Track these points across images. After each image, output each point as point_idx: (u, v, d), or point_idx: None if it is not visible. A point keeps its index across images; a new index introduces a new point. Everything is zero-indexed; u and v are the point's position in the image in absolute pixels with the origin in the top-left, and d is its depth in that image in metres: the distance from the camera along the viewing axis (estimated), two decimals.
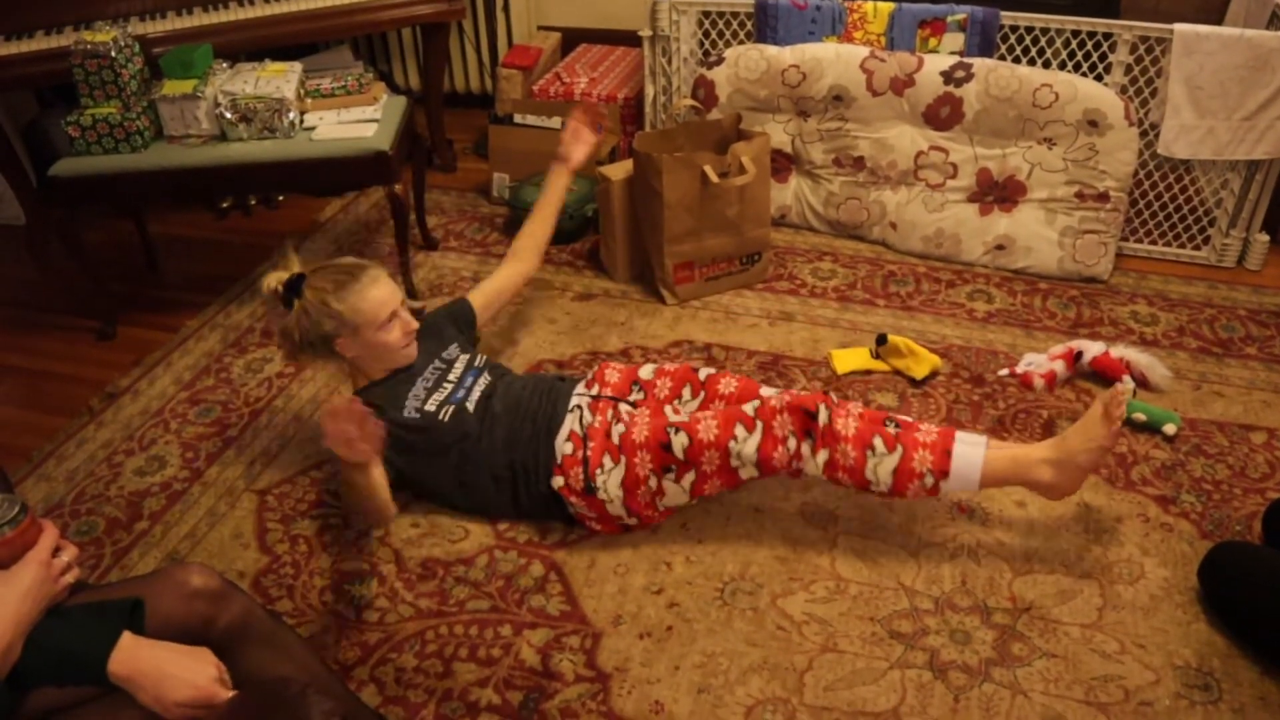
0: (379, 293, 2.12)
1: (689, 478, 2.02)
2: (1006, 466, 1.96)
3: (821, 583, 2.02)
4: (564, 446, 2.11)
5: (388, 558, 2.13)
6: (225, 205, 3.59)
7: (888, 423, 1.99)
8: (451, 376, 2.23)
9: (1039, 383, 2.53)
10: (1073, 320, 2.83)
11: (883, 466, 1.94)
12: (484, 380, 2.25)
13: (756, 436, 1.97)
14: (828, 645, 1.89)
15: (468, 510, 2.21)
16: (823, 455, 1.96)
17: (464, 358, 2.30)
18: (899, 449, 1.94)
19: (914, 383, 2.56)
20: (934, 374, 2.58)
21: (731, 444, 1.98)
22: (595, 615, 1.97)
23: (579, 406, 2.18)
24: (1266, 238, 3.07)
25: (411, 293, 2.92)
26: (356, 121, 2.85)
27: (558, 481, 2.09)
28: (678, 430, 2.01)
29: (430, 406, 2.15)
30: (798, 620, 1.93)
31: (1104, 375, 2.53)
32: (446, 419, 2.13)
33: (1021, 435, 2.38)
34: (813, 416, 1.96)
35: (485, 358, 2.35)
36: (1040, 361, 2.58)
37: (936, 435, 1.96)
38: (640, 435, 2.05)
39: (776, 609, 1.96)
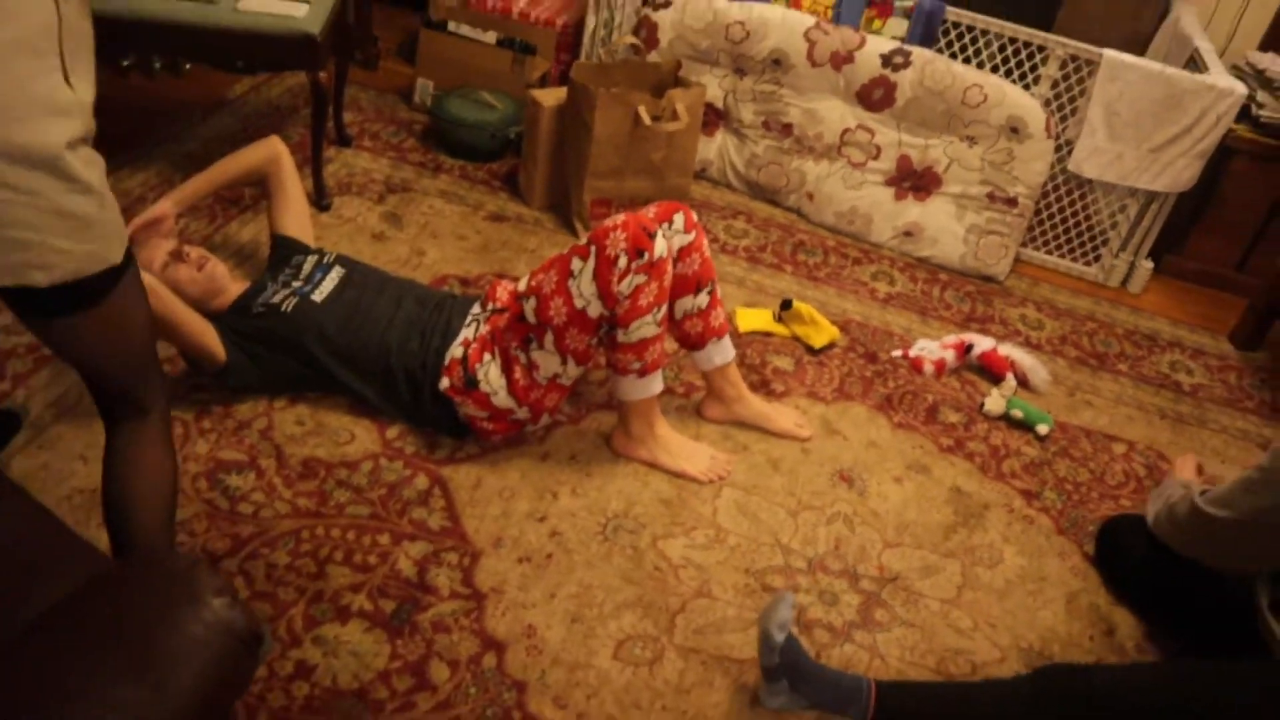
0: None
1: (549, 338, 2.01)
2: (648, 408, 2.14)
3: (702, 530, 2.06)
4: (455, 351, 2.12)
5: (268, 452, 2.07)
6: (126, 64, 3.39)
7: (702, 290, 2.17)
8: (301, 276, 2.27)
9: (929, 368, 2.62)
10: (966, 314, 2.93)
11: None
12: (335, 273, 2.28)
13: (591, 263, 1.95)
14: (701, 590, 1.93)
15: (331, 393, 2.23)
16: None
17: (312, 258, 2.33)
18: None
19: (811, 350, 2.62)
20: (831, 345, 2.65)
21: (570, 282, 1.97)
22: (476, 535, 1.96)
23: (476, 321, 2.18)
24: (1150, 264, 3.23)
25: (320, 188, 2.82)
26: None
27: (444, 383, 2.09)
28: (527, 296, 2.03)
29: (275, 300, 2.19)
30: (675, 563, 1.97)
31: (990, 370, 2.64)
32: (290, 310, 2.16)
33: (906, 416, 2.46)
34: (651, 236, 1.95)
35: (334, 254, 2.36)
36: (932, 348, 2.67)
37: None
38: (503, 321, 2.08)
39: (656, 550, 1.99)
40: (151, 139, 3.02)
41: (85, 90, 1.22)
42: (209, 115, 3.20)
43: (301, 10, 2.65)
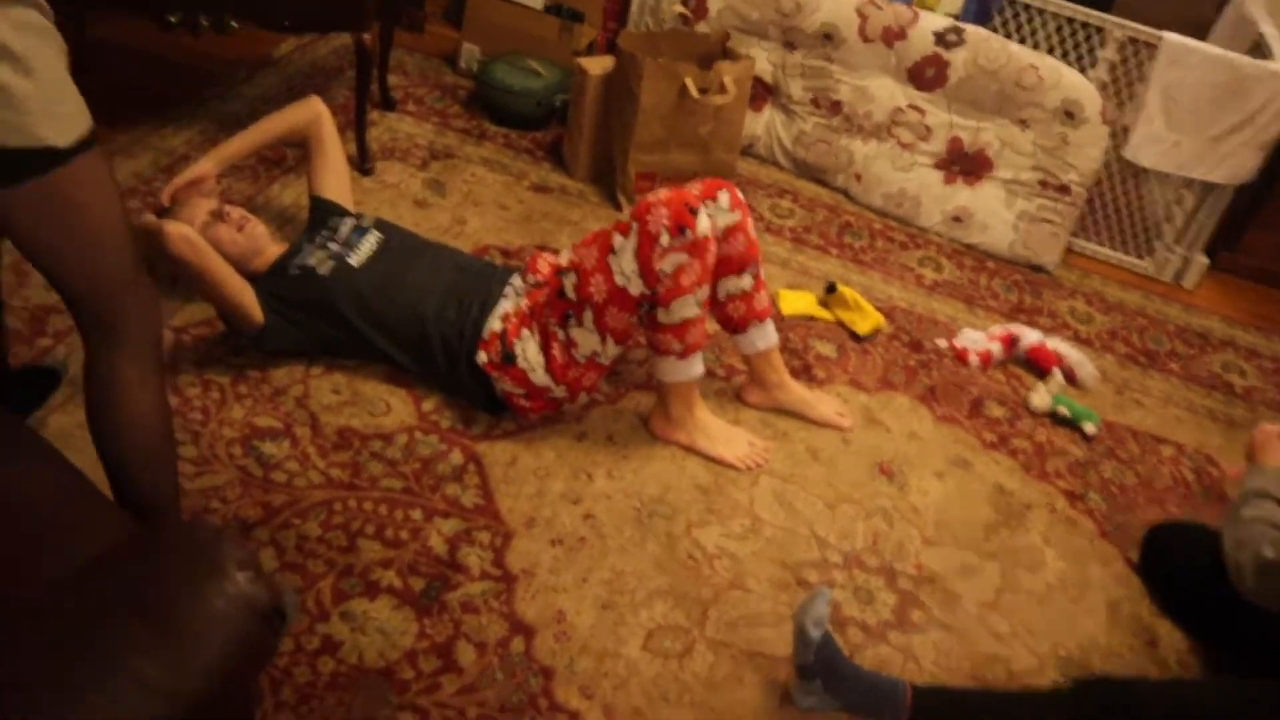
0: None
1: (588, 316, 1.99)
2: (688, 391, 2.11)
3: (738, 519, 2.02)
4: (493, 324, 2.09)
5: (303, 420, 2.05)
6: (173, 20, 3.36)
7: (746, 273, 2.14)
8: (338, 239, 2.23)
9: (974, 360, 2.56)
10: (1014, 305, 2.87)
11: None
12: (373, 237, 2.24)
13: (633, 241, 1.92)
14: (735, 582, 1.90)
15: (367, 359, 2.20)
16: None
17: (350, 220, 2.29)
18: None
19: (855, 337, 2.57)
20: (876, 332, 2.59)
21: (610, 259, 1.94)
22: (509, 514, 1.94)
23: (515, 293, 2.15)
24: (1206, 260, 3.14)
25: (364, 151, 2.79)
26: None
27: (481, 357, 2.07)
28: (568, 272, 2.00)
29: (311, 261, 2.16)
30: (710, 553, 1.94)
31: (1036, 365, 2.57)
32: (326, 273, 2.13)
33: (950, 409, 2.41)
34: (694, 213, 1.91)
35: (373, 218, 2.33)
36: (978, 339, 2.61)
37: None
38: (542, 296, 2.06)
39: (690, 538, 1.96)
40: (196, 97, 2.99)
41: None
42: (254, 74, 3.17)
43: None
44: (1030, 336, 2.61)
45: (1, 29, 1.11)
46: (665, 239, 1.89)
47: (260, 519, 1.85)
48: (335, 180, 2.40)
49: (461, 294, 2.14)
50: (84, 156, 1.24)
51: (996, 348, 2.58)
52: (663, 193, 1.93)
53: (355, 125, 2.79)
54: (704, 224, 1.92)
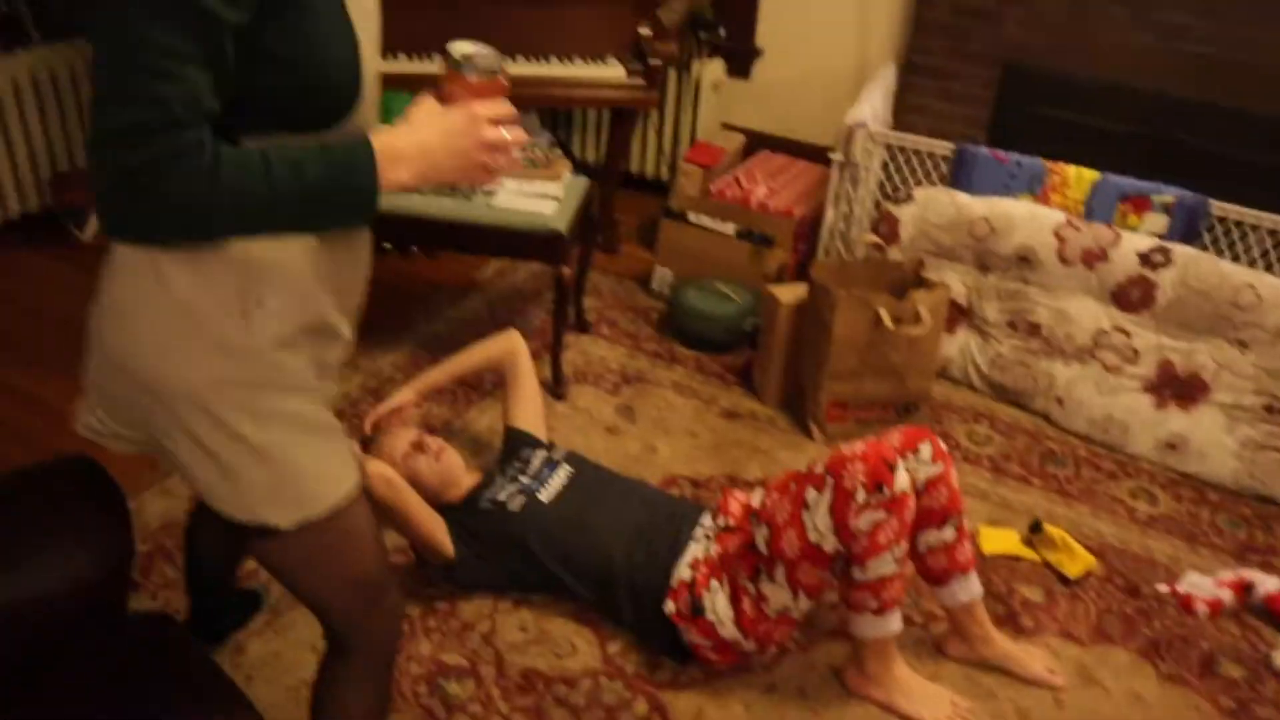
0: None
1: (780, 571, 1.92)
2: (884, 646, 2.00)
3: None
4: (683, 572, 2.04)
5: (489, 659, 2.05)
6: (387, 246, 3.63)
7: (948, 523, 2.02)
8: (529, 472, 2.28)
9: (1202, 609, 2.33)
10: (1242, 542, 2.62)
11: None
12: (564, 472, 2.27)
13: (827, 496, 1.85)
14: None
15: (555, 595, 2.19)
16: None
17: (541, 452, 2.35)
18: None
19: (1064, 580, 2.39)
20: (1087, 574, 2.41)
21: (804, 514, 1.88)
22: None
23: (706, 536, 2.10)
24: None
25: (558, 376, 2.88)
26: (538, 196, 2.83)
27: (669, 607, 2.01)
28: (759, 523, 1.96)
29: (502, 496, 2.21)
30: None
31: (1276, 615, 2.32)
32: (518, 509, 2.17)
33: (1177, 667, 2.19)
34: (892, 468, 1.84)
35: (564, 450, 2.38)
36: (1205, 585, 2.38)
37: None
38: (732, 543, 2.01)
39: None
40: (403, 320, 3.19)
41: (271, 333, 1.20)
42: (458, 298, 3.36)
43: (550, 208, 2.76)
44: (1267, 583, 2.36)
45: (245, 424, 1.20)
46: (861, 496, 1.83)
47: None
48: (529, 411, 2.47)
49: (650, 536, 2.13)
50: (321, 523, 1.28)
51: (1227, 595, 2.35)
52: (859, 445, 1.88)
53: (551, 350, 2.89)
54: (902, 480, 1.85)
